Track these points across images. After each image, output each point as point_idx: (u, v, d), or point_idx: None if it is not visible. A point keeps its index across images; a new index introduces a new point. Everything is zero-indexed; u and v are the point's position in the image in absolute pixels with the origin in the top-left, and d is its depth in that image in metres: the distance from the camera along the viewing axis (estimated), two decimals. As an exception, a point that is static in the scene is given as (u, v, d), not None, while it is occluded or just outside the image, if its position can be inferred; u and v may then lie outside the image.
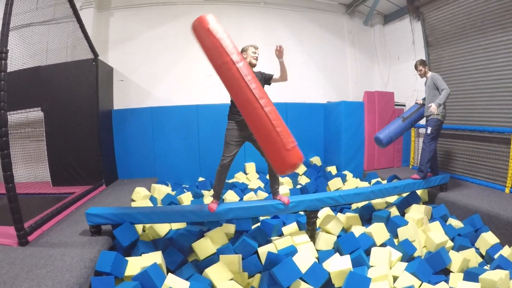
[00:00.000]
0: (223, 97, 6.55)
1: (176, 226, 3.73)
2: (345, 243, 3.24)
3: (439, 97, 4.22)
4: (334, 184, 5.33)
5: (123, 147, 6.10)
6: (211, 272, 2.73)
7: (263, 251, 3.16)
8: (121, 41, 6.40)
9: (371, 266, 2.93)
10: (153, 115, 6.11)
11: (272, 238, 3.60)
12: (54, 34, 4.81)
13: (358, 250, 3.15)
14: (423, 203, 4.49)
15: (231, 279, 2.73)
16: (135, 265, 2.76)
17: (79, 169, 5.17)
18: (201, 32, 2.45)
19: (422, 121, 4.74)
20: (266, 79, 3.25)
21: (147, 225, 3.51)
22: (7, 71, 2.87)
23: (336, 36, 7.42)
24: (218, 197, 3.32)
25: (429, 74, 4.46)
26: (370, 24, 7.60)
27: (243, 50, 3.07)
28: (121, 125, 6.07)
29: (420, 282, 2.77)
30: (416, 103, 4.85)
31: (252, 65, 3.09)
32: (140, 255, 2.92)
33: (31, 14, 4.25)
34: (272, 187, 3.41)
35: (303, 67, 7.14)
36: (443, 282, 2.76)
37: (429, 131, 4.38)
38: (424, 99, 4.66)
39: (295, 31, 7.11)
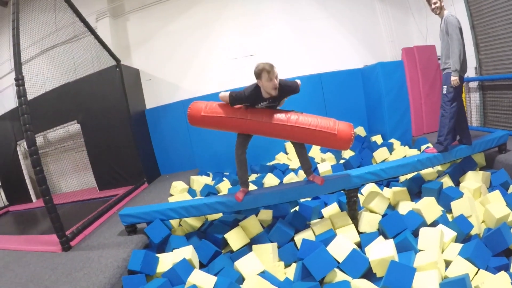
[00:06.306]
0: (249, 79, 6.34)
1: (211, 217, 3.63)
2: (388, 225, 2.82)
3: (452, 59, 3.29)
4: (380, 155, 4.85)
5: (161, 143, 6.25)
6: (240, 264, 2.60)
7: (299, 238, 2.94)
8: (142, 42, 6.51)
9: (420, 250, 2.52)
10: (185, 108, 5.99)
11: (311, 221, 3.32)
12: (77, 49, 5.03)
13: (404, 231, 2.73)
14: (480, 169, 3.79)
15: (263, 271, 2.58)
16: (166, 261, 2.76)
17: (121, 171, 5.43)
18: (201, 119, 2.97)
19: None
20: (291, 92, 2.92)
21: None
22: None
23: (362, -8, 6.63)
24: (245, 184, 3.17)
25: (445, 13, 3.39)
26: (400, -29, 6.67)
27: (257, 78, 2.71)
28: (156, 123, 6.21)
29: (477, 269, 2.26)
30: None
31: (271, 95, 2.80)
32: (172, 250, 2.90)
33: (53, 37, 4.46)
34: (303, 167, 3.11)
35: (332, 33, 6.52)
36: (503, 272, 2.12)
37: (445, 90, 3.44)
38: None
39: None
